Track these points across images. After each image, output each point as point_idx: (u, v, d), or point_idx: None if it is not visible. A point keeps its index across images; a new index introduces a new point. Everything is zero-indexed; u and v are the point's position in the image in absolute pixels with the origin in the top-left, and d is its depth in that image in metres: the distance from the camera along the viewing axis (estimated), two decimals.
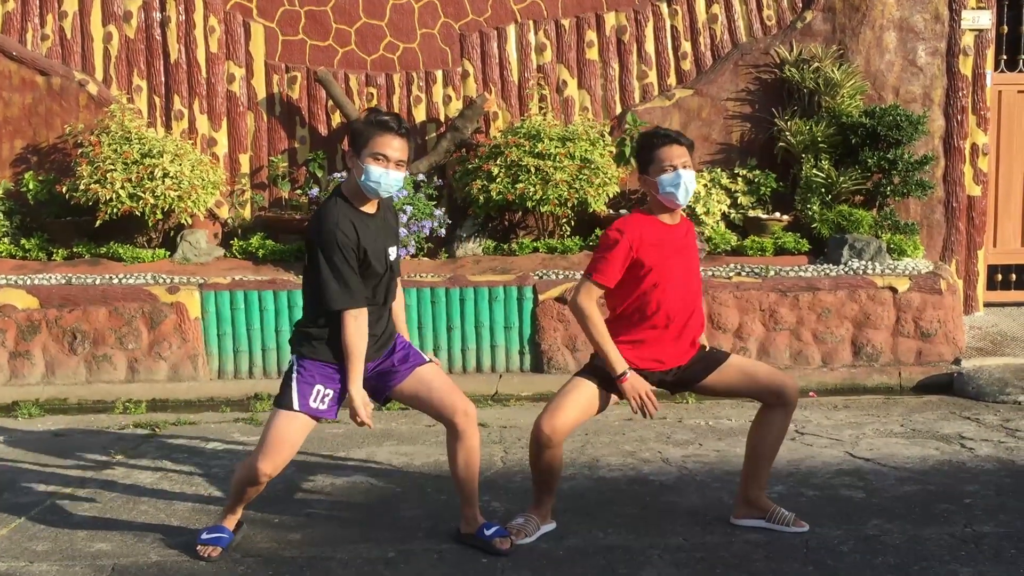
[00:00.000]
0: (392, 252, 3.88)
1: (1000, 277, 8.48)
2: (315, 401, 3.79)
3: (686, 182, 3.83)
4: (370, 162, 3.65)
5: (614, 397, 3.96)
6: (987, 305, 8.34)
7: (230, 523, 4.07)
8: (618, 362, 3.82)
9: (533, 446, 3.92)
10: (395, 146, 3.67)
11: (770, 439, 4.03)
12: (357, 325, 3.70)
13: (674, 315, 3.90)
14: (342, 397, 3.86)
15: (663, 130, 4.00)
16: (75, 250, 7.53)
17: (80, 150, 7.66)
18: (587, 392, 3.91)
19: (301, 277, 7.14)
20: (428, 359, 4.05)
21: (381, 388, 3.98)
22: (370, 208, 3.79)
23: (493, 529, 3.95)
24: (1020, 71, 8.32)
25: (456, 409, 3.88)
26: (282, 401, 3.82)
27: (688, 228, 4.06)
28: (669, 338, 3.92)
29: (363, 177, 3.68)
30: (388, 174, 3.66)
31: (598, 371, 3.92)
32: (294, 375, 3.82)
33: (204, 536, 4.00)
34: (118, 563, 3.90)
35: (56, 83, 8.01)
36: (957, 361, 6.83)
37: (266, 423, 3.90)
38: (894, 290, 6.94)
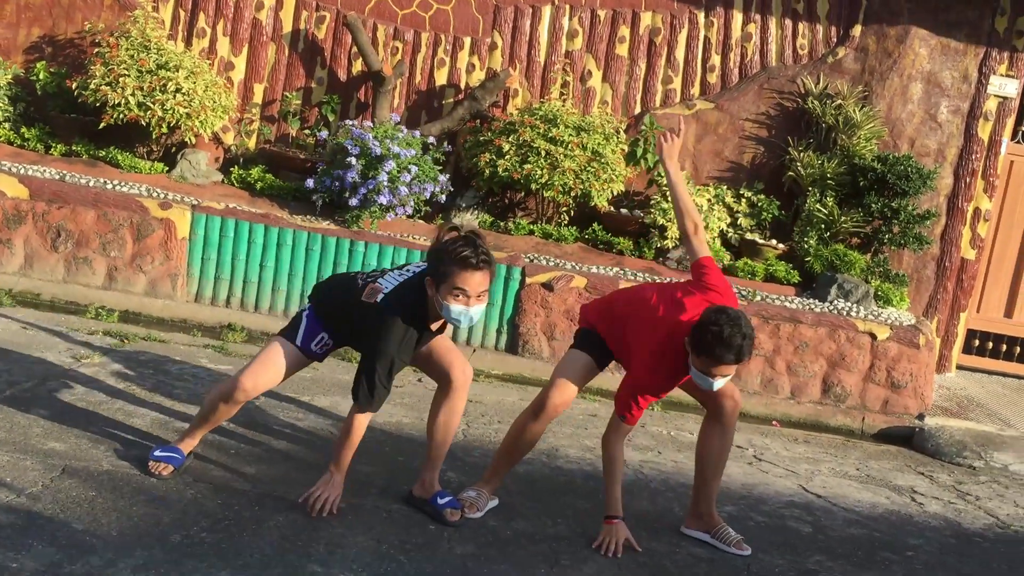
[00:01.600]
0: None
1: (977, 343, 8.57)
2: (315, 344, 3.96)
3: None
4: (450, 300, 3.65)
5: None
6: (960, 368, 8.44)
7: (186, 446, 4.09)
8: (616, 506, 3.95)
9: (529, 417, 4.06)
10: (476, 281, 3.64)
11: (713, 450, 4.14)
12: (364, 422, 3.82)
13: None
14: (334, 348, 4.05)
15: (731, 340, 3.62)
16: (74, 148, 7.46)
17: (96, 49, 7.57)
18: (587, 361, 4.09)
19: (295, 218, 7.13)
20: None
21: None
22: (436, 325, 3.88)
23: (447, 499, 3.99)
24: None
25: (455, 365, 4.01)
26: (287, 332, 3.99)
27: None
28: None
29: (443, 311, 3.70)
30: (468, 311, 3.67)
31: (587, 340, 4.12)
32: (305, 315, 3.99)
33: (157, 453, 4.02)
34: (69, 465, 3.90)
35: None
36: (921, 416, 6.90)
37: (262, 347, 4.04)
38: (873, 336, 6.99)
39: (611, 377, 6.77)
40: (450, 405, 4.02)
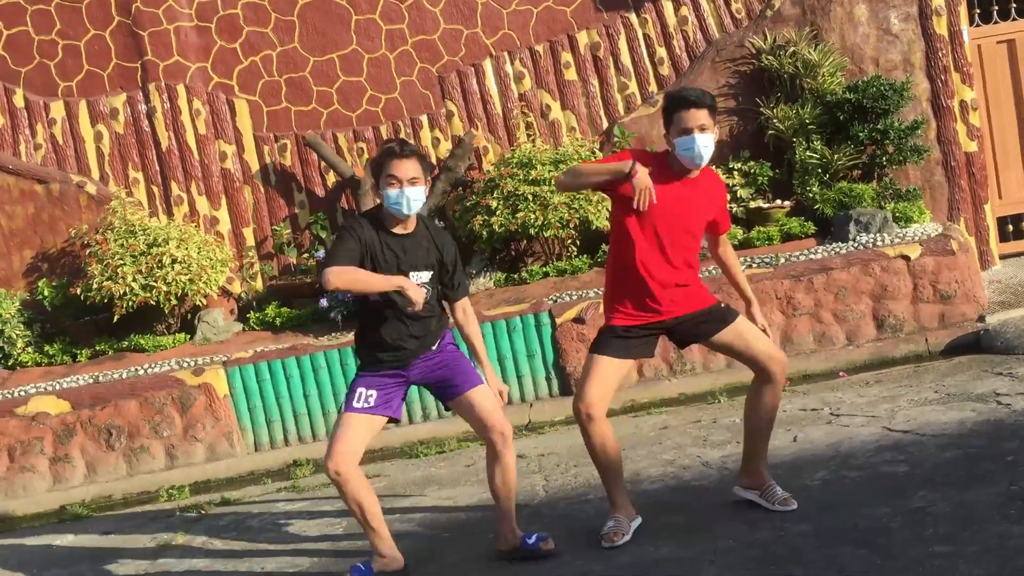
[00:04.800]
0: (419, 276, 4.15)
1: (1011, 227, 8.46)
2: (358, 401, 4.18)
3: (699, 146, 4.00)
4: (385, 187, 4.07)
5: (632, 363, 4.31)
6: (1003, 257, 8.32)
7: (378, 565, 4.23)
8: (623, 163, 4.07)
9: (583, 433, 4.17)
10: (403, 166, 4.05)
11: (760, 413, 4.24)
12: (336, 272, 3.97)
13: (655, 260, 4.10)
14: (402, 394, 4.30)
15: (686, 92, 4.14)
16: (98, 348, 7.64)
17: (88, 250, 7.79)
18: (604, 363, 4.14)
19: (321, 339, 7.24)
20: (484, 381, 4.31)
21: (443, 400, 4.38)
22: (400, 229, 4.15)
23: (535, 536, 4.18)
24: (995, 22, 8.34)
25: (493, 428, 4.16)
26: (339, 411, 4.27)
27: (706, 183, 4.19)
28: (650, 284, 4.11)
29: (385, 202, 4.09)
30: (403, 193, 4.03)
31: (607, 339, 4.17)
32: (348, 391, 4.29)
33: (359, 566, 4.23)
34: None
35: (55, 189, 8.17)
36: (981, 318, 6.80)
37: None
38: (907, 258, 6.93)
39: (668, 385, 6.77)
40: (500, 463, 4.19)
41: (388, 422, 4.33)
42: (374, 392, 4.20)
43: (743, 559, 3.81)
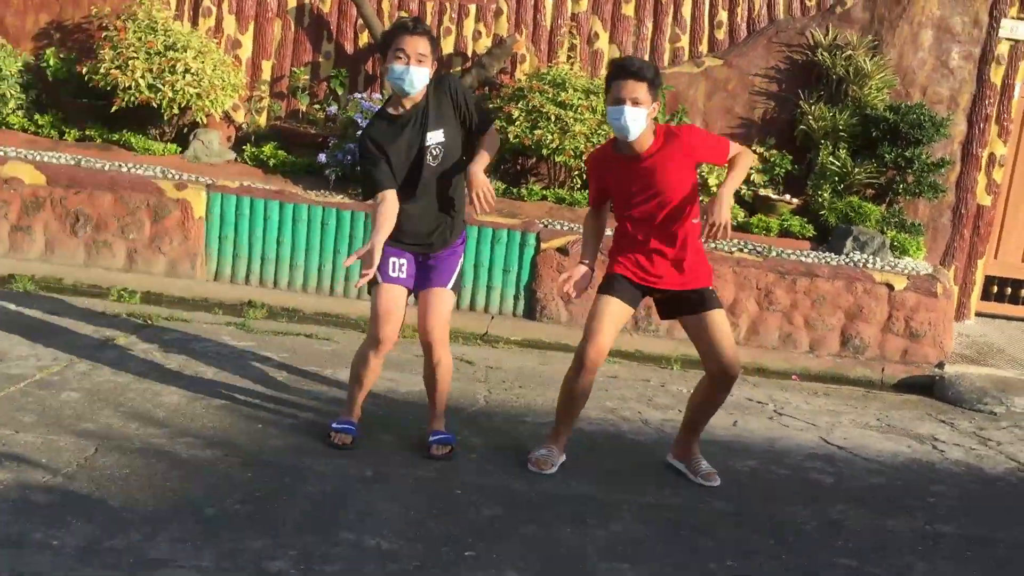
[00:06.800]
0: (429, 138, 4.11)
1: (996, 289, 8.55)
2: (394, 271, 4.22)
3: (628, 119, 3.93)
4: (391, 61, 4.03)
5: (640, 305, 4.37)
6: (979, 315, 8.43)
7: (355, 415, 4.39)
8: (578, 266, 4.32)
9: (571, 374, 4.19)
10: (412, 43, 4.01)
11: (703, 404, 4.33)
12: (383, 207, 4.06)
13: (640, 235, 4.17)
14: (419, 273, 4.30)
15: (627, 60, 4.13)
16: (87, 133, 7.51)
17: (104, 33, 7.60)
18: (615, 305, 4.18)
19: (309, 193, 7.18)
20: (449, 286, 4.30)
21: (416, 284, 4.36)
22: (403, 108, 4.12)
23: (438, 436, 4.32)
24: None
25: (424, 330, 4.25)
26: (371, 281, 4.19)
27: (669, 150, 4.05)
28: (643, 252, 4.18)
29: (388, 76, 4.05)
30: (408, 70, 4.00)
31: (616, 282, 4.20)
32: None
33: (335, 425, 4.32)
34: (102, 444, 3.99)
35: None
36: (941, 365, 6.91)
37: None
38: (891, 287, 7.00)
39: (629, 339, 6.83)
40: (427, 365, 4.32)
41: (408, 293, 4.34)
42: (405, 261, 4.24)
43: (657, 517, 3.91)
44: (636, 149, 4.07)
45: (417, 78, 4.03)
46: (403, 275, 4.23)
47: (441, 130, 4.14)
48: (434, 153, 4.13)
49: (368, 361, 4.26)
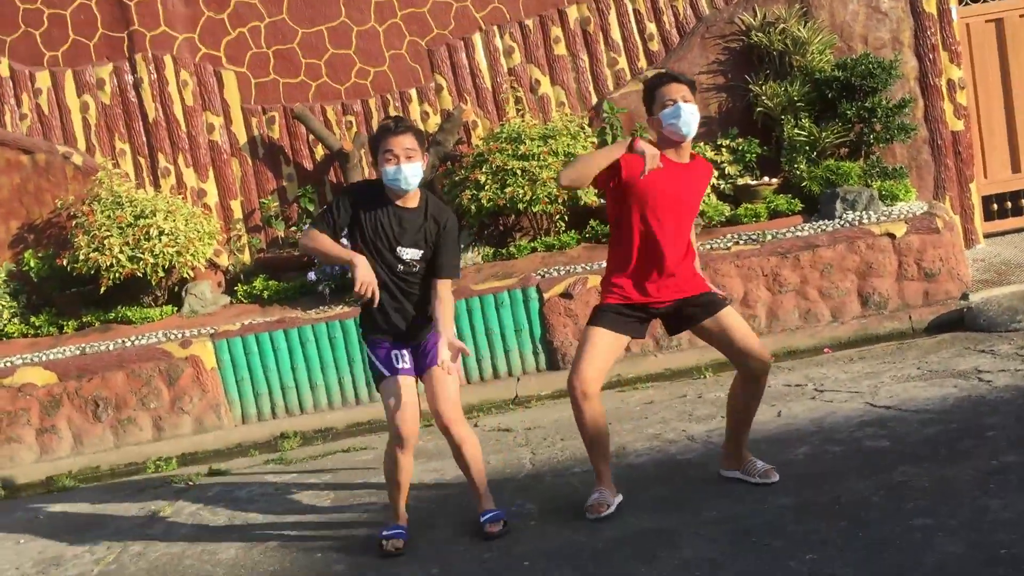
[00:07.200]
0: (407, 253, 4.17)
1: (996, 207, 8.52)
2: (398, 363, 4.22)
3: (686, 114, 4.07)
4: (383, 164, 4.11)
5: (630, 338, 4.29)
6: (987, 236, 8.39)
7: (401, 519, 4.37)
8: (620, 142, 4.19)
9: (574, 409, 4.20)
10: (399, 142, 4.08)
11: (740, 404, 4.29)
12: (306, 236, 4.18)
13: (653, 245, 4.15)
14: (417, 357, 4.29)
15: (664, 71, 4.30)
16: (85, 320, 7.63)
17: (75, 221, 7.76)
18: (600, 335, 4.17)
19: (309, 313, 7.26)
20: (440, 363, 4.16)
21: (419, 368, 4.35)
22: (404, 203, 4.18)
23: (488, 515, 4.26)
24: (984, 1, 8.35)
25: (436, 414, 4.22)
26: (377, 379, 4.26)
27: (698, 169, 4.28)
28: (649, 266, 4.17)
29: (384, 179, 4.13)
30: (400, 168, 4.07)
31: (603, 314, 4.20)
32: (368, 353, 4.32)
33: (384, 533, 4.29)
34: None
35: (41, 159, 8.12)
36: (965, 296, 6.86)
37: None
38: (892, 236, 6.98)
39: (655, 360, 6.82)
40: (458, 452, 4.27)
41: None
42: (405, 352, 4.26)
43: (724, 531, 3.87)
44: (683, 154, 4.20)
45: (411, 174, 4.10)
46: (407, 365, 4.26)
47: (422, 251, 4.20)
48: (414, 269, 4.20)
49: (397, 460, 4.25)
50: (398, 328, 4.25)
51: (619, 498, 4.30)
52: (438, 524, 4.52)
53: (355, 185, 4.32)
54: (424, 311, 4.26)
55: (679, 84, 4.15)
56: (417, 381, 4.34)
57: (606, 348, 4.17)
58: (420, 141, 4.18)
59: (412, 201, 4.20)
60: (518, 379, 7.03)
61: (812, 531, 3.72)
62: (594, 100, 8.25)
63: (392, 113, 8.22)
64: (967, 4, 8.30)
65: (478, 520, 4.31)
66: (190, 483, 6.06)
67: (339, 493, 5.29)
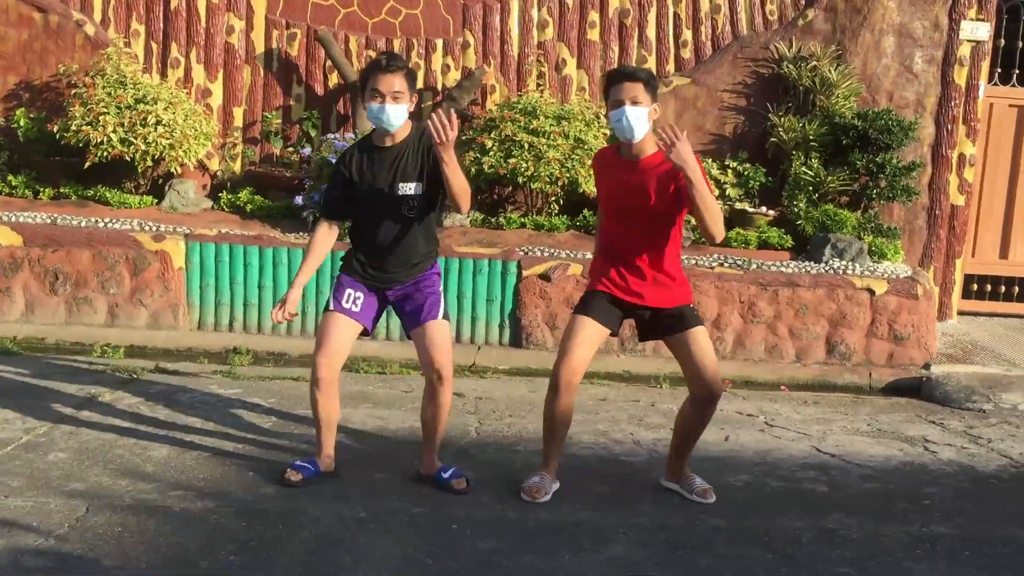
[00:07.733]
0: (402, 188, 4.14)
1: (975, 287, 8.63)
2: (347, 302, 4.22)
3: (629, 118, 3.95)
4: (368, 100, 4.06)
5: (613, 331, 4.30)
6: (960, 313, 8.49)
7: (321, 456, 4.36)
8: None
9: (550, 394, 4.19)
10: (388, 81, 4.01)
11: (687, 424, 4.32)
12: (321, 233, 4.28)
13: (621, 245, 4.17)
14: (377, 310, 4.32)
15: (620, 67, 4.23)
16: (62, 191, 7.51)
17: (74, 91, 7.62)
18: (590, 325, 4.17)
19: (288, 236, 7.19)
20: (440, 316, 4.26)
21: (405, 327, 4.38)
22: (388, 141, 4.16)
23: (450, 472, 4.27)
24: (1013, 85, 8.42)
25: (431, 364, 4.20)
26: (325, 306, 4.30)
27: (656, 168, 4.03)
28: (623, 266, 4.17)
29: (367, 115, 4.10)
30: (384, 108, 4.02)
31: (592, 301, 4.20)
32: (334, 285, 4.33)
33: (293, 463, 4.31)
34: (93, 503, 3.95)
35: (53, 21, 7.95)
36: (927, 366, 6.95)
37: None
38: (872, 292, 7.05)
39: (616, 360, 6.85)
40: (433, 402, 4.25)
41: (361, 333, 4.33)
42: (361, 296, 4.25)
43: (655, 538, 3.90)
44: (636, 153, 4.08)
45: (394, 115, 4.04)
46: (356, 308, 4.22)
47: (418, 183, 4.13)
48: (410, 204, 4.15)
49: (315, 398, 4.23)
50: (374, 278, 4.26)
51: (556, 485, 4.32)
52: (375, 472, 4.52)
53: (343, 153, 4.29)
54: (407, 259, 4.24)
55: (632, 83, 3.97)
56: (365, 334, 4.35)
57: (594, 340, 4.18)
58: (411, 83, 4.10)
59: (398, 137, 4.16)
60: (479, 348, 7.03)
61: (739, 557, 3.76)
62: None
63: (415, 59, 8.14)
64: (996, 85, 8.36)
65: (429, 475, 4.31)
66: (134, 375, 6.01)
67: (282, 420, 5.27)
